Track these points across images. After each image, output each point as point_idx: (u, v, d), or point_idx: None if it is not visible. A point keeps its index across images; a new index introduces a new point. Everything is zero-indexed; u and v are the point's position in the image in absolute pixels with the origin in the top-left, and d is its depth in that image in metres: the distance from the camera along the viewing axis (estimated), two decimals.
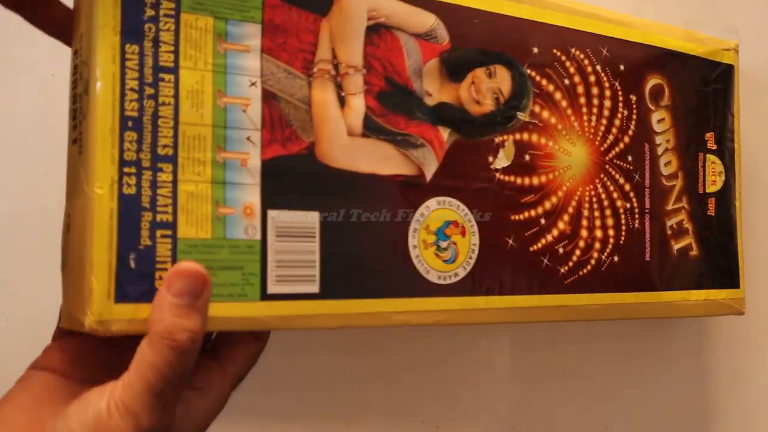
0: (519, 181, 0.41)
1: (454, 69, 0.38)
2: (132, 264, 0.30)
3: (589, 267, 0.44)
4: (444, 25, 0.37)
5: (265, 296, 0.34)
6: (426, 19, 0.37)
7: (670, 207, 0.48)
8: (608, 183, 0.45)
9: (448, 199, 0.39)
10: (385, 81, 0.36)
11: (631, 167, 0.45)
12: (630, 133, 0.45)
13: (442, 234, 0.39)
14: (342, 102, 0.35)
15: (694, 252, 0.49)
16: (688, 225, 0.49)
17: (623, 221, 0.46)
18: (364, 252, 0.37)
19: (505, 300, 0.41)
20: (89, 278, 0.30)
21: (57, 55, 0.54)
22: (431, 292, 0.38)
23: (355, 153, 0.35)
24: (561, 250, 0.43)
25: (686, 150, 0.48)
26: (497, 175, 0.40)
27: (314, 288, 0.35)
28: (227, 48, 0.32)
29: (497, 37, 0.39)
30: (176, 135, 0.31)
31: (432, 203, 0.38)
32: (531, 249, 0.42)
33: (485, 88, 0.39)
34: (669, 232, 0.48)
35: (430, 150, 0.38)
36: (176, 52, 0.31)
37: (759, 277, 0.59)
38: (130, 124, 0.30)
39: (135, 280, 0.30)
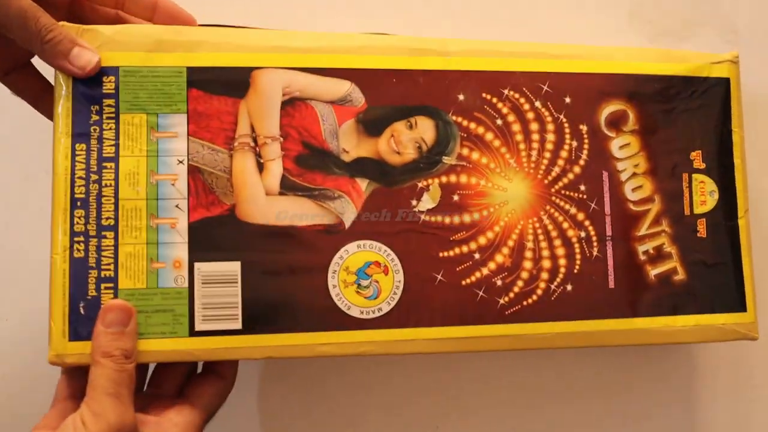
0: (447, 220, 0.44)
1: (372, 126, 0.42)
2: (82, 311, 0.40)
3: (534, 297, 0.45)
4: (359, 88, 0.42)
5: (193, 333, 0.41)
6: (340, 87, 0.42)
7: (642, 232, 0.48)
8: (556, 214, 0.46)
9: (369, 242, 0.43)
10: (302, 145, 0.41)
11: (585, 196, 0.46)
12: (581, 163, 0.45)
13: (362, 273, 0.43)
14: (261, 167, 0.41)
15: (680, 276, 0.48)
16: (670, 249, 0.48)
17: (577, 250, 0.46)
18: (286, 293, 0.42)
19: (435, 331, 0.44)
20: (50, 322, 0.40)
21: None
22: (353, 326, 0.43)
23: (273, 210, 0.42)
24: (499, 282, 0.44)
25: (665, 172, 0.47)
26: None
27: (237, 325, 0.41)
28: (158, 136, 0.40)
29: (417, 92, 0.42)
30: (117, 209, 0.40)
31: (352, 247, 0.43)
32: (463, 283, 0.44)
33: (406, 140, 0.42)
34: (642, 257, 0.47)
35: (348, 200, 0.43)
36: (116, 145, 0.40)
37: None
38: (78, 203, 0.40)
39: (84, 323, 0.40)
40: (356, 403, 0.52)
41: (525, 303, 0.45)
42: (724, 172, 0.48)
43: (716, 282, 0.49)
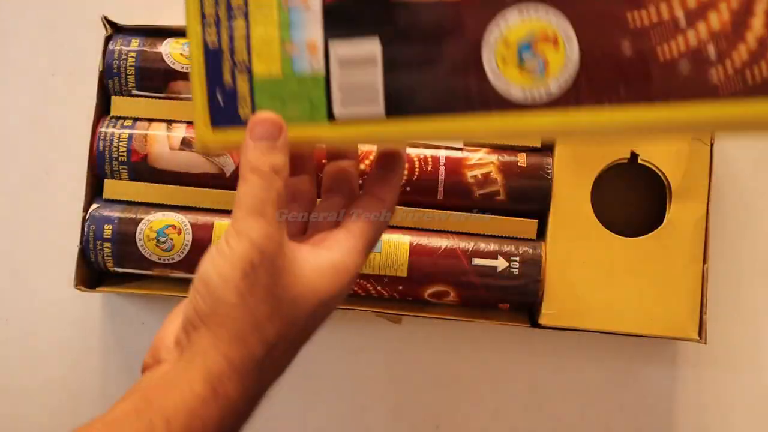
0: None
1: None
2: (220, 99, 0.40)
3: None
4: None
5: (332, 118, 0.38)
6: None
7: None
8: None
9: (532, 4, 0.35)
10: None
11: None
12: None
13: (525, 47, 0.35)
14: None
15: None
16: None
17: None
18: (432, 71, 0.36)
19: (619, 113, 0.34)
20: (193, 115, 0.42)
21: (57, 55, 0.57)
22: (512, 107, 0.35)
23: None
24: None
25: None
26: None
27: (379, 109, 0.37)
28: None
29: None
30: None
31: (512, 14, 0.35)
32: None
33: None
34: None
35: None
36: None
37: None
38: None
39: (223, 111, 0.40)
40: (356, 403, 0.51)
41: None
42: None
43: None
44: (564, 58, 0.35)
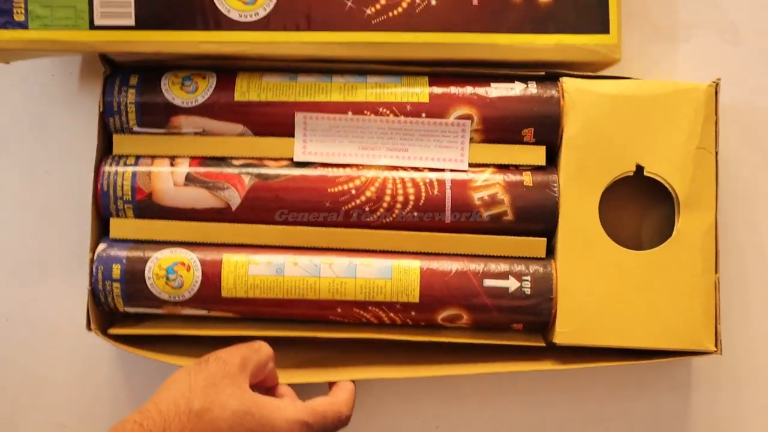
0: None
1: None
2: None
3: (400, 9, 0.51)
4: None
5: (93, 27, 0.49)
6: None
7: None
8: None
9: None
10: None
11: None
12: None
13: None
14: None
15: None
16: None
17: None
18: None
19: (307, 35, 0.50)
20: None
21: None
22: (233, 27, 0.50)
23: None
24: None
25: None
26: None
27: (131, 21, 0.49)
28: None
29: None
30: None
31: None
32: None
33: None
34: None
35: None
36: None
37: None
38: None
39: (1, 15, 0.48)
40: (356, 402, 0.52)
41: (391, 14, 0.51)
42: None
43: (581, 5, 0.52)
44: None
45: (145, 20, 0.49)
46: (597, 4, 0.52)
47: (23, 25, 0.49)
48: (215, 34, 0.50)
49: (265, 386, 0.49)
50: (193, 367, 0.44)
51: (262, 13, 0.50)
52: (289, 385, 0.50)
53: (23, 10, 0.48)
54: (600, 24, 0.52)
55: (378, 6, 0.51)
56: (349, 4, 0.50)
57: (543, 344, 0.53)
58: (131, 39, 0.49)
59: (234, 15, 0.50)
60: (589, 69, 0.55)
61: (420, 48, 0.51)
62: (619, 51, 0.52)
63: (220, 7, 0.50)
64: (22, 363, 0.57)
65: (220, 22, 0.50)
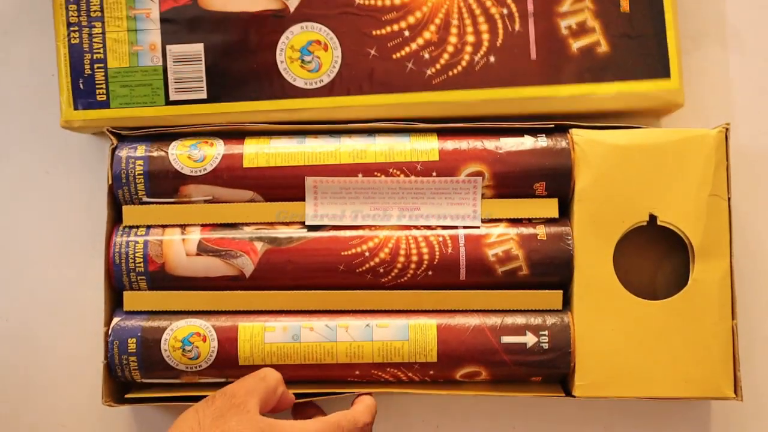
0: (380, 3, 0.53)
1: None
2: (81, 86, 0.53)
3: (459, 68, 0.52)
4: None
5: (168, 102, 0.53)
6: None
7: (565, 9, 0.53)
8: None
9: (311, 23, 0.52)
10: None
11: None
12: None
13: (305, 50, 0.52)
14: None
15: (603, 48, 0.53)
16: (593, 24, 0.53)
17: (500, 26, 0.52)
18: (242, 69, 0.52)
19: (370, 98, 0.52)
20: (60, 98, 0.53)
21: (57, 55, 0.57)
22: (299, 95, 0.52)
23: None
24: (427, 56, 0.52)
25: None
26: (357, 0, 0.52)
27: (203, 95, 0.53)
28: None
29: None
30: (102, 2, 0.52)
31: (296, 28, 0.53)
32: (394, 57, 0.52)
33: None
34: (565, 31, 0.52)
35: None
36: None
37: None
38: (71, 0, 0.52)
39: (84, 96, 0.53)
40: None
41: (450, 73, 0.52)
42: None
43: (640, 52, 0.53)
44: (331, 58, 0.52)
45: (216, 93, 0.52)
46: (656, 48, 0.52)
47: (105, 105, 0.53)
48: (283, 103, 0.52)
49: (280, 410, 0.49)
50: (201, 405, 0.44)
51: (326, 80, 0.52)
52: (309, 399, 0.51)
53: (105, 91, 0.52)
54: (660, 68, 0.52)
55: (438, 66, 0.52)
56: (410, 65, 0.52)
57: (562, 395, 0.53)
58: (204, 111, 0.52)
59: (300, 83, 0.52)
60: (652, 116, 0.55)
61: (482, 105, 0.52)
62: (682, 96, 0.52)
63: (286, 76, 0.52)
64: (22, 363, 0.57)
65: (287, 90, 0.52)
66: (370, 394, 0.51)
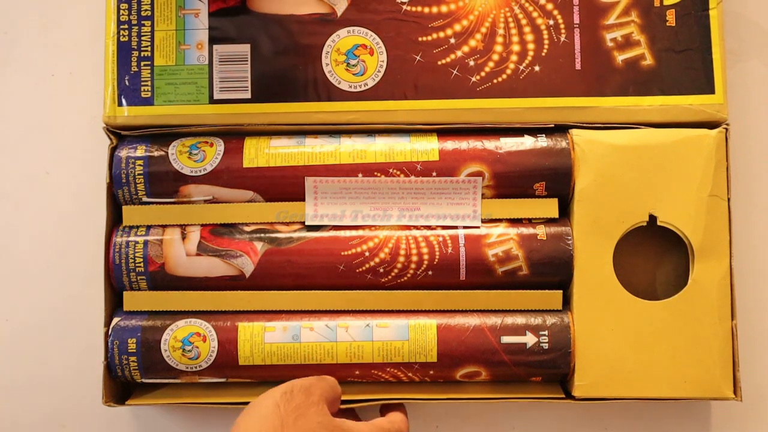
0: (426, 10, 0.53)
1: None
2: (127, 83, 0.53)
3: (504, 76, 0.53)
4: None
5: (212, 101, 0.53)
6: None
7: (611, 21, 0.53)
8: (526, 4, 0.53)
9: (357, 28, 0.53)
10: None
11: None
12: None
13: (351, 54, 0.53)
14: None
15: (648, 62, 0.53)
16: (639, 37, 0.53)
17: (546, 36, 0.53)
18: (288, 69, 0.52)
19: (413, 104, 0.53)
20: (104, 94, 0.53)
21: (57, 55, 0.59)
22: (343, 97, 0.52)
23: (278, 2, 0.53)
24: (472, 63, 0.53)
25: None
26: (404, 6, 0.53)
27: (247, 95, 0.52)
28: None
29: None
30: (153, 2, 0.53)
31: (342, 32, 0.53)
32: (439, 63, 0.53)
33: None
34: (610, 44, 0.53)
35: None
36: None
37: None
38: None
39: (129, 93, 0.53)
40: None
41: (495, 81, 0.53)
42: None
43: (684, 66, 0.53)
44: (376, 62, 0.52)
45: (260, 93, 0.52)
46: (701, 64, 0.53)
47: (149, 102, 0.53)
48: (327, 105, 0.52)
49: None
50: (280, 399, 0.43)
51: (371, 83, 0.52)
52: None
53: (150, 88, 0.53)
54: (705, 84, 0.53)
55: (483, 74, 0.52)
56: (455, 72, 0.52)
57: (562, 396, 0.53)
58: (248, 111, 0.52)
59: (344, 86, 0.52)
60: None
61: (525, 113, 0.52)
62: (726, 110, 0.52)
63: (331, 79, 0.52)
64: (22, 363, 0.57)
65: (332, 93, 0.52)
66: (401, 404, 0.51)
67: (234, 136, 0.53)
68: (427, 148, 0.52)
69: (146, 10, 0.53)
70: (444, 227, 0.52)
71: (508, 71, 0.52)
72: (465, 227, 0.52)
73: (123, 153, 0.52)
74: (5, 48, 0.59)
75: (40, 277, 0.57)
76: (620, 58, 0.53)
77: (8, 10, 0.59)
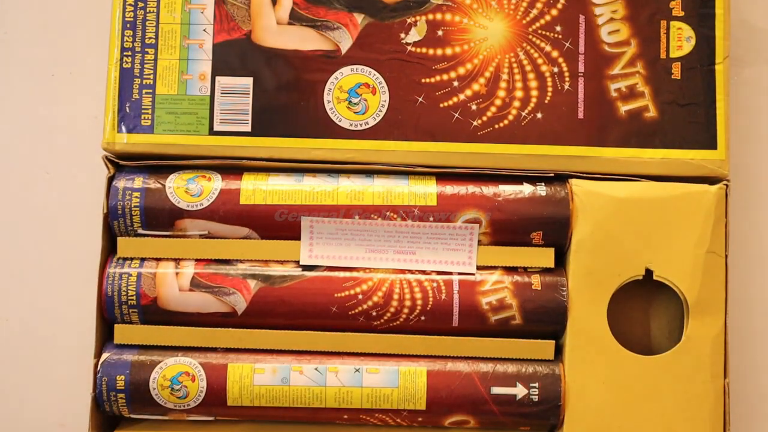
0: (431, 52, 0.53)
1: None
2: (127, 110, 0.52)
3: (506, 121, 0.52)
4: None
5: (212, 132, 0.52)
6: None
7: (616, 71, 0.53)
8: (531, 50, 0.53)
9: (360, 66, 0.53)
10: None
11: (560, 36, 0.53)
12: (558, 6, 0.53)
13: (353, 92, 0.52)
14: (274, 1, 0.52)
15: (652, 114, 0.53)
16: (643, 88, 0.53)
17: (549, 83, 0.53)
18: (289, 104, 0.52)
19: (414, 144, 0.52)
20: (104, 120, 0.53)
21: (57, 55, 0.59)
22: (343, 135, 0.52)
23: (282, 37, 0.52)
24: (474, 107, 0.52)
25: (643, 18, 0.53)
26: (409, 47, 0.52)
27: (247, 128, 0.52)
28: None
29: None
30: (157, 30, 0.53)
31: (346, 70, 0.53)
32: (441, 105, 0.52)
33: None
34: (614, 94, 0.52)
35: (345, 31, 0.53)
36: None
37: None
38: (128, 26, 0.53)
39: (129, 120, 0.52)
40: None
41: (496, 126, 0.52)
42: (702, 20, 0.53)
43: (688, 120, 0.52)
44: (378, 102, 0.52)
45: (260, 127, 0.52)
46: (705, 118, 0.52)
47: (149, 130, 0.53)
48: (327, 142, 0.52)
49: None
50: None
51: (371, 123, 0.52)
52: None
53: (150, 116, 0.52)
54: (707, 139, 0.52)
55: (485, 118, 0.52)
56: (457, 115, 0.52)
57: None
58: (247, 144, 0.52)
59: (345, 124, 0.52)
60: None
61: (525, 159, 0.52)
62: (727, 167, 0.52)
63: (332, 116, 0.52)
64: (22, 363, 0.57)
65: (332, 130, 0.52)
66: None
67: (232, 171, 0.53)
68: (426, 192, 0.52)
69: (150, 38, 0.52)
70: (439, 272, 0.52)
71: (510, 117, 0.52)
72: (460, 273, 0.52)
73: (120, 184, 0.52)
74: (5, 48, 0.59)
75: (40, 277, 0.57)
76: (623, 108, 0.52)
77: (8, 10, 0.59)
